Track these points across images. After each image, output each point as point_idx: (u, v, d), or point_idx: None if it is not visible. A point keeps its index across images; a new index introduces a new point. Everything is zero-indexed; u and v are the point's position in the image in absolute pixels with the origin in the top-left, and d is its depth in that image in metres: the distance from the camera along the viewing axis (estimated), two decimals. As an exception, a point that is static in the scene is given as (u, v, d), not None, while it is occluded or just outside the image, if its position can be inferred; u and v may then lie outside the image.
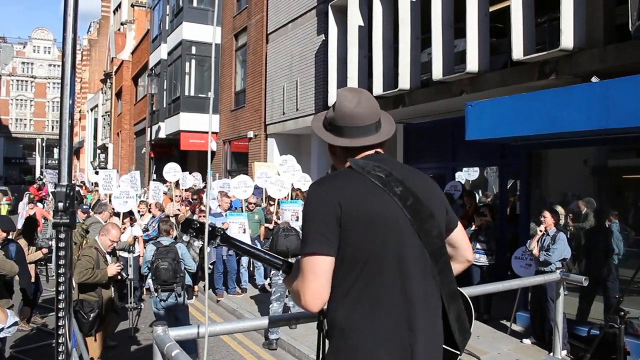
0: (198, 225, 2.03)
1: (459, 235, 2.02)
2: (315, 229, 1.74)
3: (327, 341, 1.85)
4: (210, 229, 1.95)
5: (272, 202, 11.03)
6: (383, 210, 1.76)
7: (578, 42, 6.84)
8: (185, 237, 2.05)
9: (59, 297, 1.69)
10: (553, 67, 7.25)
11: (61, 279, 1.67)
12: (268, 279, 8.95)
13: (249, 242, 9.38)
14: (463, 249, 2.03)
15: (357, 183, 1.79)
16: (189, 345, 5.68)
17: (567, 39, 6.83)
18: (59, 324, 1.71)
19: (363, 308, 1.72)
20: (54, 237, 2.16)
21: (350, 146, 1.91)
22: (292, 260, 2.00)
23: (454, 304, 1.89)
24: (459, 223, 2.04)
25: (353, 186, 1.78)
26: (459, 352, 1.94)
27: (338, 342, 1.76)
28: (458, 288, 1.95)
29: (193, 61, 20.28)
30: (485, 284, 3.54)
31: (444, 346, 1.89)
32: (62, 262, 1.68)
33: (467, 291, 2.96)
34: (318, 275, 1.72)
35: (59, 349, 1.93)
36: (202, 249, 7.86)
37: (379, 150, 1.95)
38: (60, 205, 1.67)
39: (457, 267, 2.01)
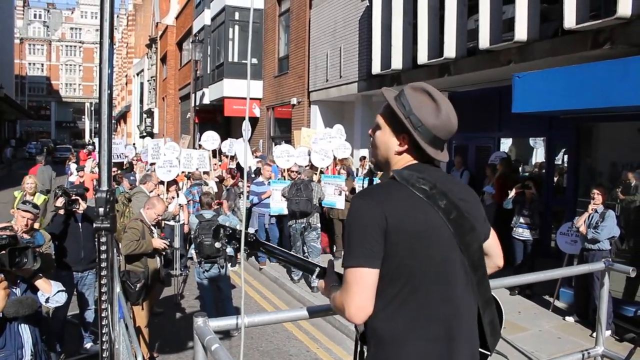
0: (230, 232, 2.04)
1: (492, 243, 2.06)
2: (360, 241, 1.72)
3: (364, 346, 1.88)
4: (239, 236, 1.96)
5: (314, 172, 11.01)
6: (428, 224, 1.76)
7: (636, 10, 6.41)
8: (217, 244, 2.06)
9: (102, 298, 1.75)
10: (608, 36, 6.87)
11: (103, 281, 1.72)
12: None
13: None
14: (495, 256, 2.08)
15: (402, 196, 1.77)
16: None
17: (624, 6, 6.41)
18: (102, 325, 1.77)
19: (404, 320, 1.74)
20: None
21: (434, 157, 1.88)
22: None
23: (488, 310, 1.94)
24: (492, 231, 2.07)
25: (398, 199, 1.77)
26: (489, 353, 2.00)
27: (377, 352, 1.78)
28: (492, 294, 2.00)
29: (236, 27, 20.22)
30: (525, 274, 3.46)
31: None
32: (103, 264, 1.73)
33: (507, 281, 2.94)
34: (363, 288, 1.72)
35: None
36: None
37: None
38: (101, 210, 1.70)
39: None
